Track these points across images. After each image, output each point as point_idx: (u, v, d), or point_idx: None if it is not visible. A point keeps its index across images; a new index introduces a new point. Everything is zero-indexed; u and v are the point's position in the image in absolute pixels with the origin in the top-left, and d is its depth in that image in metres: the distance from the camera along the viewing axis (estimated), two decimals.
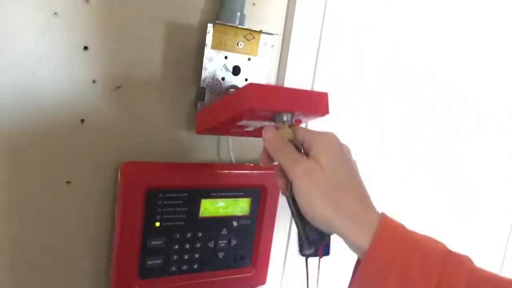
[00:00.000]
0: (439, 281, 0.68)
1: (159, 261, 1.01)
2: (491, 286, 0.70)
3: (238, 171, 1.05)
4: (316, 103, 0.84)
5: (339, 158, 0.77)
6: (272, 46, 1.06)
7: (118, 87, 0.93)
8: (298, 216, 0.77)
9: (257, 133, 0.89)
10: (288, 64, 1.07)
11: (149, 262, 1.00)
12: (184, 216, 1.01)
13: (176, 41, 0.96)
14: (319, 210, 0.72)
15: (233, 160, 1.08)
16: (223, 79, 0.98)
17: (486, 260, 1.69)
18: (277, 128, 0.82)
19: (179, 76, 0.98)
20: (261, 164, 0.84)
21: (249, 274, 1.12)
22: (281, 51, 1.09)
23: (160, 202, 0.98)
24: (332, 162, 0.75)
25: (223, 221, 1.06)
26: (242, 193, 1.07)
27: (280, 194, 0.96)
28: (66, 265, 0.96)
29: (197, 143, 1.04)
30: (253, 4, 1.02)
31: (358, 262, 0.76)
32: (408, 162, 1.39)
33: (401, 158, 1.37)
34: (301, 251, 0.87)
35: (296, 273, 0.92)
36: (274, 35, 1.01)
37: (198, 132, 0.97)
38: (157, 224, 0.99)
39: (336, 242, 0.76)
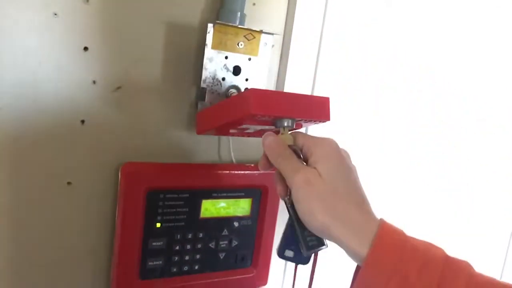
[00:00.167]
0: (439, 287, 0.68)
1: (160, 262, 1.00)
2: None
3: (239, 172, 1.05)
4: (317, 108, 0.84)
5: (338, 166, 0.77)
6: (273, 46, 1.05)
7: (119, 87, 0.93)
8: (297, 221, 0.77)
9: (258, 134, 0.89)
10: (289, 64, 1.07)
11: (150, 263, 0.99)
12: (185, 216, 1.01)
13: (176, 41, 0.96)
14: (318, 219, 0.72)
15: (234, 161, 1.08)
16: (223, 79, 0.98)
17: (487, 260, 1.70)
18: (277, 132, 0.82)
19: (179, 76, 0.98)
20: (260, 169, 0.84)
21: (250, 275, 1.12)
22: (281, 51, 1.08)
23: (160, 203, 0.98)
24: (331, 171, 0.75)
25: (224, 221, 1.06)
26: (243, 194, 1.07)
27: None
28: (67, 266, 0.96)
29: (197, 143, 1.04)
30: (254, 4, 1.02)
31: (357, 269, 0.76)
32: (408, 162, 1.39)
33: (401, 158, 1.37)
34: (280, 254, 0.86)
35: (298, 274, 0.92)
36: (274, 35, 1.01)
37: (199, 133, 0.97)
38: (158, 224, 0.99)
39: (334, 249, 0.76)
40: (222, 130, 0.93)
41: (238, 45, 0.97)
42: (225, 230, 1.07)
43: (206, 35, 0.94)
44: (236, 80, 0.99)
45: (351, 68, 1.19)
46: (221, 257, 1.07)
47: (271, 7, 1.05)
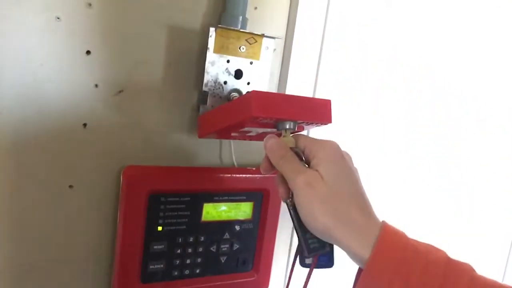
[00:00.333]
0: None
1: (161, 265, 1.00)
2: None
3: (241, 175, 1.05)
4: (319, 111, 0.84)
5: (340, 168, 0.77)
6: (274, 49, 1.05)
7: (120, 91, 0.93)
8: (299, 224, 0.77)
9: (260, 137, 0.89)
10: (290, 68, 1.07)
11: (151, 267, 1.00)
12: (186, 220, 1.01)
13: (178, 45, 0.96)
14: (320, 222, 0.72)
15: (236, 164, 1.08)
16: (225, 82, 0.98)
17: (488, 260, 1.70)
18: (279, 135, 0.82)
19: (181, 80, 0.98)
20: (262, 172, 0.84)
21: (252, 279, 1.12)
22: (283, 55, 1.08)
23: (162, 206, 0.98)
24: (334, 173, 0.75)
25: (226, 225, 1.06)
26: (244, 197, 1.07)
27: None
28: (68, 269, 0.96)
29: (199, 146, 1.04)
30: (255, 8, 1.02)
31: (359, 272, 0.76)
32: (408, 162, 1.39)
33: (401, 158, 1.37)
34: (302, 262, 0.86)
35: (299, 278, 0.92)
36: (276, 39, 1.01)
37: (200, 136, 0.97)
38: (159, 228, 0.99)
39: (336, 251, 0.76)
40: (223, 133, 0.93)
41: (240, 49, 0.97)
42: (227, 233, 1.07)
43: (208, 39, 0.94)
44: (238, 84, 0.99)
45: (352, 70, 1.19)
46: (223, 261, 1.08)
47: (272, 11, 1.05)
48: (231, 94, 0.98)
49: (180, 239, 1.01)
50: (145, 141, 0.98)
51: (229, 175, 1.04)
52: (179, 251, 1.02)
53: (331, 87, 1.15)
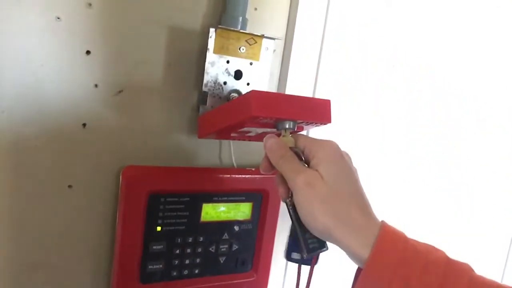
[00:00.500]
0: None
1: (160, 265, 1.00)
2: None
3: (240, 176, 1.05)
4: (318, 110, 0.84)
5: (340, 168, 0.77)
6: (274, 50, 1.05)
7: (120, 91, 0.93)
8: (298, 224, 0.77)
9: (259, 138, 0.89)
10: (290, 69, 1.07)
11: (150, 267, 1.00)
12: (186, 220, 1.01)
13: (178, 46, 0.96)
14: (319, 222, 0.73)
15: (235, 165, 1.08)
16: (225, 83, 0.98)
17: (488, 260, 1.70)
18: (278, 135, 0.82)
19: (181, 80, 0.98)
20: (261, 171, 0.84)
21: (251, 279, 1.12)
22: (283, 56, 1.08)
23: (161, 206, 0.98)
24: (333, 173, 0.75)
25: (225, 225, 1.06)
26: (243, 198, 1.07)
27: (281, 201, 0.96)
28: (67, 269, 0.97)
29: (198, 147, 1.04)
30: (255, 9, 1.02)
31: (358, 271, 0.76)
32: (408, 162, 1.39)
33: (401, 158, 1.37)
34: (288, 256, 0.86)
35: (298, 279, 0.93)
36: (276, 40, 1.01)
37: (200, 137, 0.97)
38: (159, 228, 0.99)
39: (335, 251, 0.76)
40: (223, 133, 0.93)
41: (239, 49, 0.97)
42: (226, 234, 1.07)
43: (208, 39, 0.94)
44: (237, 85, 0.99)
45: (351, 70, 1.19)
46: (222, 261, 1.08)
47: (272, 12, 1.05)
48: (231, 95, 0.98)
49: (179, 239, 1.01)
50: (144, 141, 0.98)
51: (229, 176, 1.04)
52: (178, 251, 1.02)
53: (331, 87, 1.15)
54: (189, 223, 1.02)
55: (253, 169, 1.08)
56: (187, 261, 1.03)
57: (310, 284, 0.89)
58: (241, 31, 0.95)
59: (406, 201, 1.43)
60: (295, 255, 0.85)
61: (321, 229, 0.73)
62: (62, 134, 0.90)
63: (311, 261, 0.88)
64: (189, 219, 1.02)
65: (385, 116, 1.29)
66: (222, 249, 1.07)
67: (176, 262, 1.02)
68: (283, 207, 1.10)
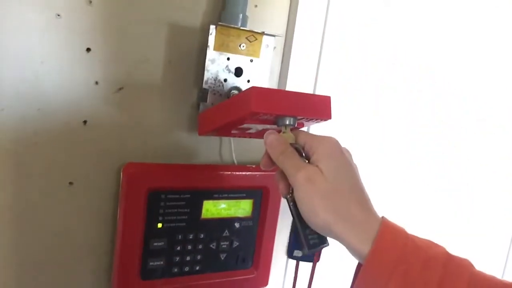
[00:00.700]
0: (440, 286, 0.68)
1: (161, 262, 1.01)
2: None
3: (240, 173, 1.05)
4: (318, 107, 0.84)
5: (341, 164, 0.77)
6: (275, 47, 1.06)
7: (121, 88, 0.93)
8: (299, 219, 0.77)
9: (260, 135, 0.89)
10: (291, 66, 1.07)
11: (151, 263, 1.00)
12: (186, 217, 1.01)
13: (178, 43, 0.96)
14: (320, 217, 0.73)
15: (235, 162, 1.08)
16: (225, 80, 0.98)
17: (488, 260, 1.70)
18: (279, 131, 0.82)
19: (181, 77, 0.98)
20: (261, 167, 0.84)
21: (251, 276, 1.12)
22: (283, 53, 1.09)
23: (162, 203, 0.98)
24: (334, 169, 0.75)
25: (225, 222, 1.07)
26: (244, 195, 1.07)
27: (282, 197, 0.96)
28: (68, 266, 0.97)
29: (199, 144, 1.04)
30: (256, 6, 1.02)
31: (358, 267, 0.76)
32: (408, 162, 1.39)
33: (401, 158, 1.37)
34: (290, 254, 0.86)
35: (298, 275, 0.93)
36: (276, 37, 1.01)
37: (200, 134, 0.97)
38: (159, 225, 0.99)
39: (336, 246, 0.76)
40: (224, 130, 0.93)
41: (240, 46, 0.97)
42: (226, 231, 1.07)
43: (208, 36, 0.94)
44: (238, 82, 0.99)
45: (352, 70, 1.19)
46: (222, 258, 1.08)
47: (273, 9, 1.05)
48: (231, 92, 0.98)
49: (179, 236, 1.01)
50: (145, 138, 0.98)
51: (229, 173, 1.04)
52: (178, 248, 1.02)
53: (331, 85, 1.15)
54: (190, 220, 1.02)
55: (254, 166, 1.08)
56: (187, 258, 1.03)
57: (312, 282, 0.89)
58: (241, 28, 0.96)
59: (406, 201, 1.43)
60: (297, 253, 0.85)
61: (322, 225, 0.73)
62: (63, 131, 0.90)
63: (313, 258, 0.88)
64: (189, 216, 1.02)
65: (385, 116, 1.30)
66: (223, 246, 1.07)
67: (177, 258, 1.02)
68: (283, 204, 1.10)
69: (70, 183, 0.93)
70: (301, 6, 1.05)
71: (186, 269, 1.04)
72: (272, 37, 1.00)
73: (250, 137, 0.97)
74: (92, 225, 0.97)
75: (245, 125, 0.87)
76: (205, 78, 0.96)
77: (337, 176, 0.75)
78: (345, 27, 1.15)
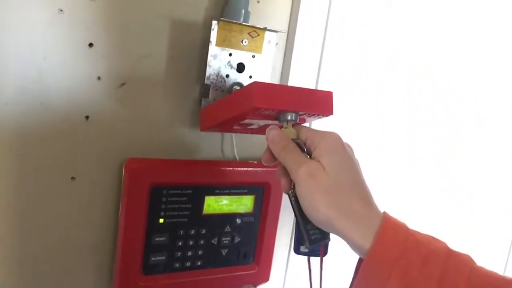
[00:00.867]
0: (440, 281, 0.68)
1: (163, 257, 1.01)
2: (491, 286, 0.70)
3: (242, 169, 1.06)
4: (320, 102, 0.84)
5: (342, 160, 0.77)
6: (277, 43, 1.06)
7: (123, 84, 0.93)
8: (300, 215, 0.77)
9: (261, 131, 0.89)
10: (293, 62, 1.07)
11: (153, 259, 1.00)
12: (188, 212, 1.02)
13: (180, 38, 0.96)
14: (322, 213, 0.73)
15: (237, 158, 1.09)
16: (227, 76, 0.98)
17: (488, 261, 1.70)
18: (281, 127, 0.82)
19: (184, 73, 0.98)
20: (263, 163, 0.84)
21: (252, 272, 1.12)
22: (285, 49, 1.09)
23: (164, 199, 0.98)
24: (335, 164, 0.75)
25: (227, 218, 1.07)
26: (245, 191, 1.08)
27: (283, 193, 0.96)
28: (70, 261, 0.97)
29: (201, 140, 1.04)
30: (258, 2, 1.02)
31: (359, 262, 0.76)
32: (408, 162, 1.40)
33: (401, 158, 1.38)
34: (296, 250, 0.86)
35: (300, 271, 0.93)
36: (278, 33, 1.01)
37: (202, 129, 0.97)
38: (161, 220, 0.99)
39: (337, 242, 0.76)
40: (225, 126, 0.93)
41: (242, 42, 0.98)
42: (228, 226, 1.07)
43: (210, 32, 0.94)
44: (240, 77, 0.99)
45: (355, 66, 1.19)
46: (224, 254, 1.08)
47: (275, 5, 1.05)
48: (233, 88, 0.98)
49: (181, 232, 1.02)
50: (147, 133, 0.98)
51: (231, 169, 1.04)
52: (180, 243, 1.02)
53: (334, 81, 1.16)
54: (192, 215, 1.02)
55: (255, 162, 1.08)
56: (189, 253, 1.04)
57: (322, 277, 0.89)
58: (243, 23, 0.96)
59: (406, 201, 1.43)
60: (304, 248, 0.85)
61: (323, 220, 0.73)
62: (65, 126, 0.90)
63: (319, 253, 0.88)
64: (191, 211, 1.02)
65: (385, 117, 1.30)
66: (224, 242, 1.07)
67: (179, 254, 1.02)
68: (285, 200, 1.10)
69: (72, 178, 0.93)
70: (303, 2, 1.05)
71: (188, 264, 1.04)
72: (274, 33, 1.00)
73: (252, 133, 0.97)
74: (94, 220, 0.97)
75: (246, 121, 0.87)
76: (207, 74, 0.96)
77: (339, 171, 0.74)
78: (349, 22, 1.15)
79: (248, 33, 0.97)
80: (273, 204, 1.10)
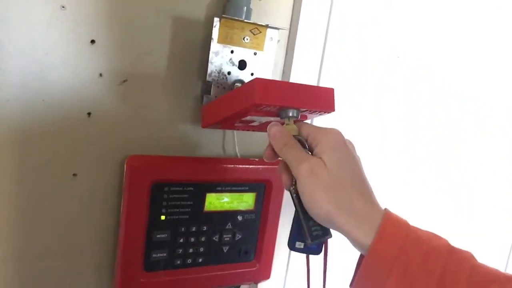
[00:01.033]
0: (441, 277, 0.69)
1: (164, 254, 1.01)
2: (492, 283, 0.71)
3: (243, 166, 1.06)
4: (322, 99, 0.84)
5: (344, 156, 0.77)
6: (278, 41, 1.06)
7: (125, 80, 0.93)
8: (302, 211, 0.77)
9: (263, 128, 0.89)
10: (294, 59, 1.07)
11: (154, 255, 1.00)
12: (189, 210, 1.02)
13: (182, 35, 0.97)
14: (323, 209, 0.73)
15: (238, 155, 1.09)
16: (229, 73, 0.98)
17: (488, 261, 1.70)
18: (282, 123, 0.82)
19: (185, 70, 0.98)
20: (265, 159, 0.84)
21: (253, 269, 1.13)
22: (287, 46, 1.09)
23: (165, 196, 0.98)
24: (337, 161, 0.75)
25: (228, 215, 1.07)
26: (247, 188, 1.08)
27: (285, 189, 0.96)
28: (71, 258, 0.97)
29: (202, 137, 1.04)
30: None
31: (360, 258, 0.76)
32: (408, 163, 1.40)
33: (401, 159, 1.38)
34: (292, 246, 0.86)
35: (301, 268, 0.93)
36: (280, 30, 1.02)
37: (204, 126, 0.97)
38: (163, 217, 0.99)
39: (338, 238, 0.76)
40: (227, 123, 0.93)
41: (244, 39, 0.98)
42: (229, 224, 1.07)
43: (212, 29, 0.94)
44: (241, 74, 1.00)
45: (355, 63, 1.20)
46: (225, 251, 1.08)
47: (277, 2, 1.05)
48: (235, 85, 0.98)
49: (183, 229, 1.02)
50: (149, 130, 0.98)
51: (232, 166, 1.04)
52: (181, 240, 1.02)
53: (335, 78, 1.16)
54: (193, 212, 1.02)
55: (257, 159, 1.08)
56: (190, 250, 1.04)
57: (326, 275, 0.89)
58: (245, 21, 0.96)
59: (406, 202, 1.43)
60: (299, 245, 0.85)
61: (324, 217, 0.73)
62: (67, 123, 0.90)
63: (317, 250, 0.88)
64: (192, 208, 1.02)
65: (385, 117, 1.30)
66: (226, 239, 1.07)
67: (180, 251, 1.02)
68: (286, 197, 1.10)
69: (74, 174, 0.93)
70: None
71: (189, 261, 1.04)
72: (276, 30, 1.00)
73: (253, 130, 0.97)
74: (95, 217, 0.97)
75: (248, 117, 0.87)
76: (208, 71, 0.97)
77: (340, 168, 0.75)
78: (350, 20, 1.15)
79: (250, 30, 0.98)
80: (274, 201, 1.11)
